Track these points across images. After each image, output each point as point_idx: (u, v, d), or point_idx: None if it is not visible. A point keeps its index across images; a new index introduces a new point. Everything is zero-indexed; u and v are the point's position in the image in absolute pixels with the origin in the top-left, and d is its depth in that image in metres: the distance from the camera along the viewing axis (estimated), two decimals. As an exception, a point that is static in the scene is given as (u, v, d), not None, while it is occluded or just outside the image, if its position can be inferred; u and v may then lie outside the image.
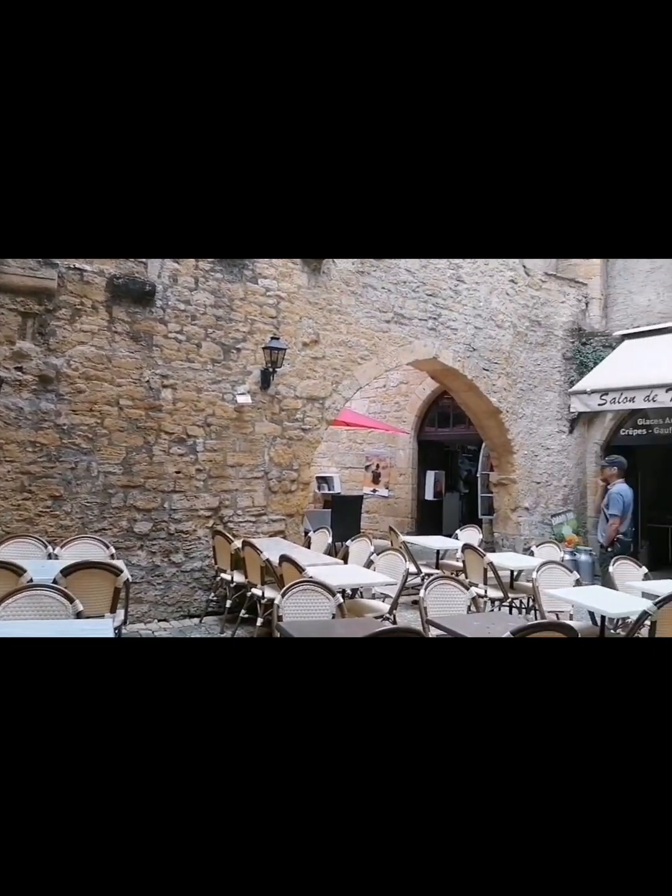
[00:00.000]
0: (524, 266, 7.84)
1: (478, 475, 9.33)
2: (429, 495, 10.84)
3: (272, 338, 5.69)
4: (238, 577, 5.13)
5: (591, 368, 7.76)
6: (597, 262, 8.54)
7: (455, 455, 12.13)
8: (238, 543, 5.15)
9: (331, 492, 10.59)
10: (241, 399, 5.63)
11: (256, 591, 4.80)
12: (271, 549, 4.85)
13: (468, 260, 7.16)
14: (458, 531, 7.10)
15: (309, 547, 6.05)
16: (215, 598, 5.56)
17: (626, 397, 6.30)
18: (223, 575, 5.28)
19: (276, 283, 5.83)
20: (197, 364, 5.39)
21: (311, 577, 3.84)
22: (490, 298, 7.41)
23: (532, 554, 6.14)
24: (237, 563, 5.17)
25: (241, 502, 5.70)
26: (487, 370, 7.39)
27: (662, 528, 8.80)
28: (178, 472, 5.31)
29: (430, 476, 10.86)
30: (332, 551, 6.12)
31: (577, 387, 6.98)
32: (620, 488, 5.48)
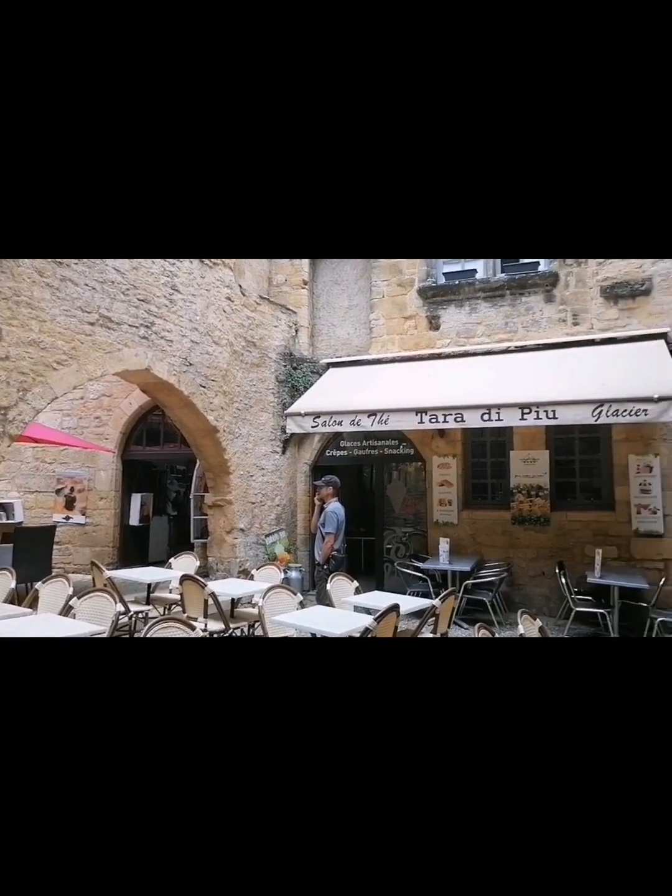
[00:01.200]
0: (240, 285, 7.81)
1: (190, 497, 8.88)
2: (134, 520, 9.90)
3: None
4: None
5: (302, 392, 8.13)
6: (304, 292, 9.08)
7: (164, 475, 11.44)
8: None
9: (11, 522, 8.81)
10: None
11: None
12: None
13: (184, 269, 6.77)
14: (171, 560, 6.53)
15: (-19, 596, 4.73)
16: None
17: (335, 421, 6.70)
18: None
19: (-62, 256, 4.46)
20: None
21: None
22: (207, 313, 7.12)
23: (252, 577, 5.98)
24: None
25: None
26: (204, 387, 7.06)
27: (356, 540, 9.69)
28: None
29: (136, 499, 9.96)
30: (15, 598, 4.90)
31: (292, 409, 7.18)
32: (334, 507, 5.72)
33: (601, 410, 5.53)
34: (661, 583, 6.40)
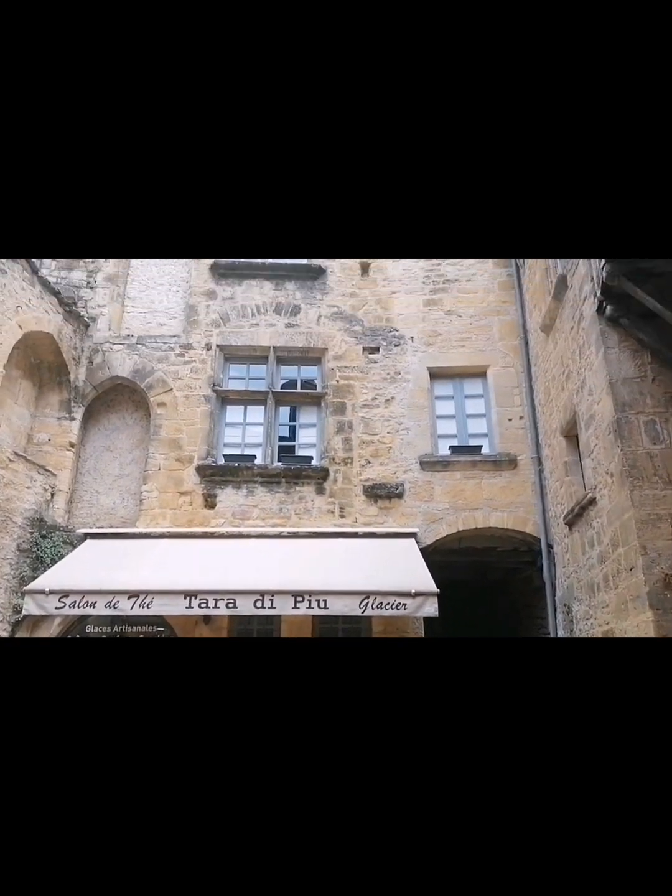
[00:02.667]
0: (-8, 437, 6.83)
1: None
2: None
3: None
4: None
5: (49, 565, 6.99)
6: (69, 455, 8.31)
7: None
8: None
9: None
10: None
11: None
12: None
13: None
14: None
15: None
16: None
17: (87, 602, 5.76)
18: None
19: None
20: None
21: None
22: (-59, 462, 5.96)
23: None
24: None
25: None
26: None
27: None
28: None
29: None
30: None
31: (34, 585, 6.03)
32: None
33: (368, 602, 5.75)
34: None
